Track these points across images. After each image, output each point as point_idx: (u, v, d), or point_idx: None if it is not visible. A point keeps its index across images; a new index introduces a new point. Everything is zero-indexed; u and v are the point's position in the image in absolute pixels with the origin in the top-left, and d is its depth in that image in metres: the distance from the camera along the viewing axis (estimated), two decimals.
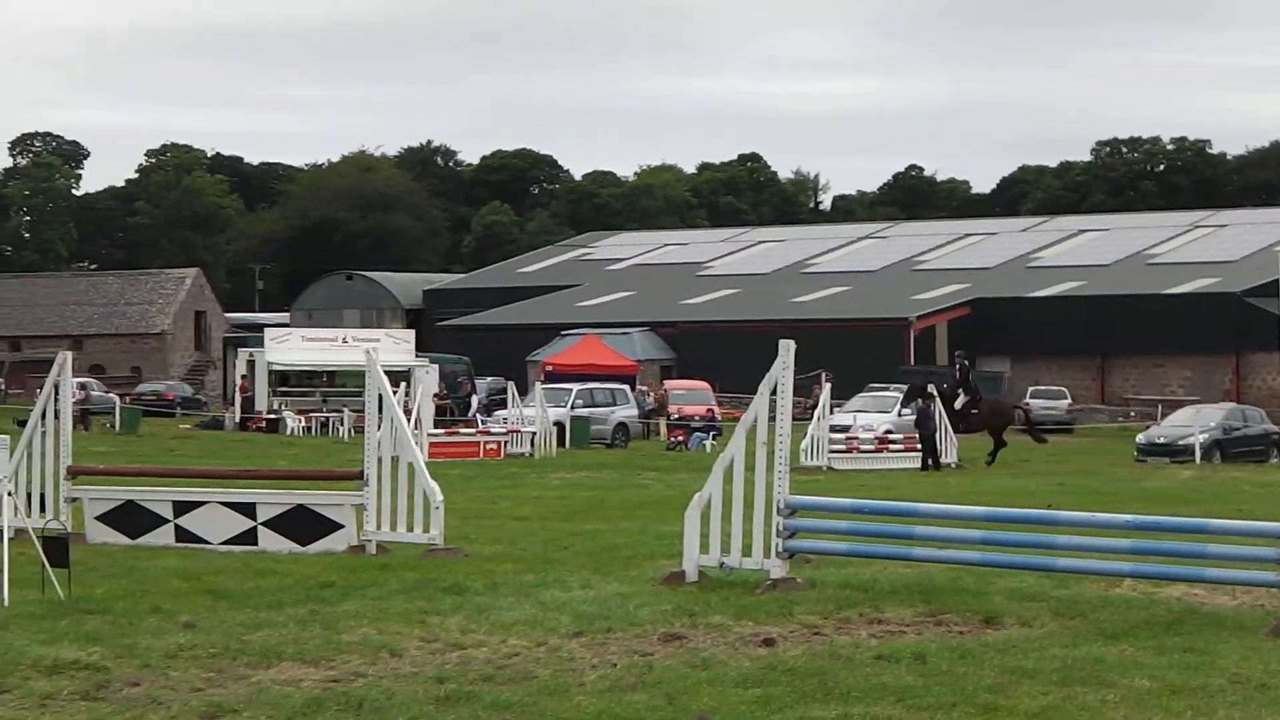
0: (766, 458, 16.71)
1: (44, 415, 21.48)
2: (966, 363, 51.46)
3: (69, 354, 22.46)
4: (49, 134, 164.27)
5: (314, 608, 15.22)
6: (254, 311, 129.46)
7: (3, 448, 16.25)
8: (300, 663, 12.71)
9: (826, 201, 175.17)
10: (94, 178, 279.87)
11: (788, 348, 16.92)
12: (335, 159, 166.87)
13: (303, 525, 20.65)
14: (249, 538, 20.73)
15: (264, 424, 67.63)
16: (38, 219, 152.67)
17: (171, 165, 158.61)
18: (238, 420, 70.34)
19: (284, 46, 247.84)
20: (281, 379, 73.48)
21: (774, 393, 16.77)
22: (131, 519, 21.30)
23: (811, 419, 44.41)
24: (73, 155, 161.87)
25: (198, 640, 13.39)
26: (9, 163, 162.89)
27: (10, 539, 15.62)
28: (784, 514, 16.64)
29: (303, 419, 67.20)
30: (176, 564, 18.88)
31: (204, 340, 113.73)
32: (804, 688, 11.90)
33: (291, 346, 73.90)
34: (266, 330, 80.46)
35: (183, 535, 20.97)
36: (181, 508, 21.21)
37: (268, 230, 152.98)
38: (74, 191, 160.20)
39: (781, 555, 16.63)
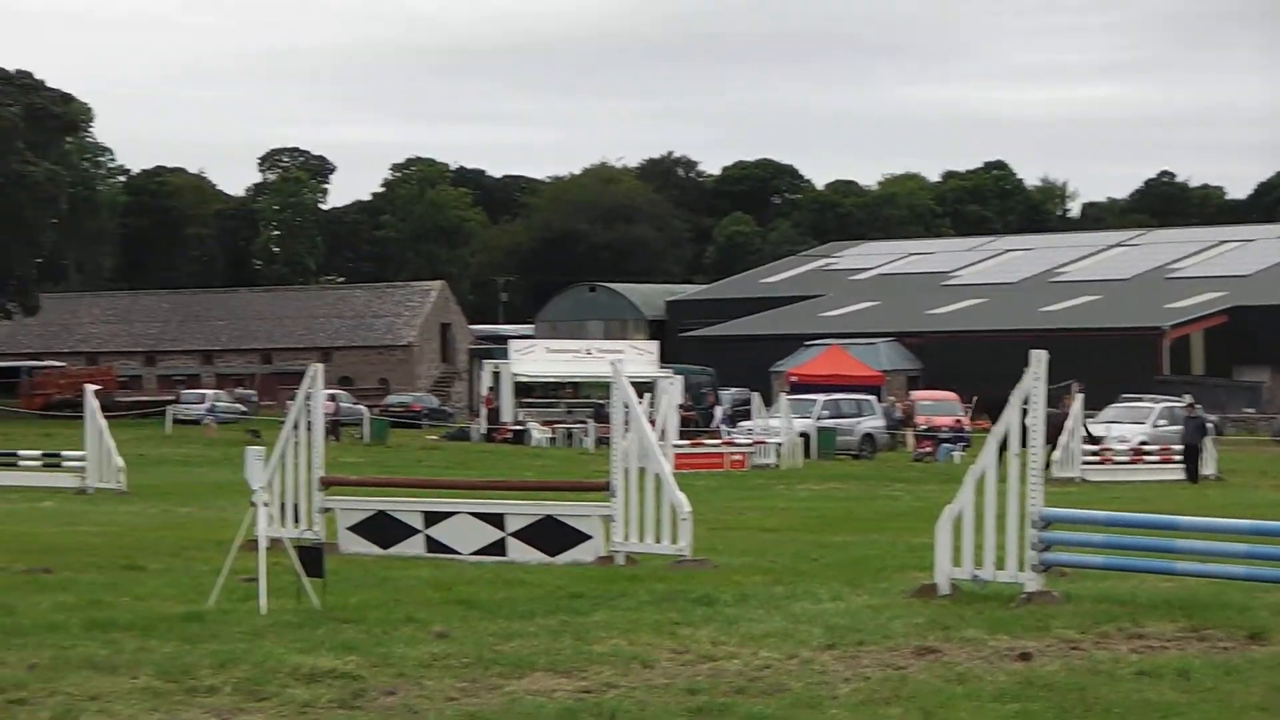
0: (1019, 469, 16.44)
1: (296, 426, 21.76)
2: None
3: (320, 366, 22.73)
4: (297, 149, 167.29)
5: (565, 618, 15.21)
6: (498, 323, 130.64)
7: (258, 458, 16.49)
8: (552, 673, 12.70)
9: (1075, 209, 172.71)
10: (340, 192, 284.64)
11: (1040, 358, 16.64)
12: (577, 171, 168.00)
13: (551, 536, 20.70)
14: (498, 548, 20.83)
15: (509, 435, 68.19)
16: (286, 233, 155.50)
17: (416, 179, 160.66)
18: (484, 431, 70.97)
19: (526, 60, 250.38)
20: (526, 390, 74.05)
21: (1025, 404, 16.51)
22: (383, 529, 21.50)
23: (1062, 430, 43.94)
24: (320, 170, 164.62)
25: (451, 650, 13.43)
26: (259, 178, 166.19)
27: (266, 548, 15.83)
28: (1038, 526, 16.35)
29: (548, 430, 67.65)
30: (428, 574, 19.00)
31: (449, 352, 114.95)
32: (1063, 703, 11.65)
33: (536, 358, 74.46)
34: (511, 342, 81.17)
35: (433, 545, 21.12)
36: (432, 518, 21.36)
37: (511, 242, 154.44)
38: (321, 206, 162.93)
39: (1036, 568, 16.33)
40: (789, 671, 12.87)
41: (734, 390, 77.40)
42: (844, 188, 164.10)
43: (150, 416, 78.27)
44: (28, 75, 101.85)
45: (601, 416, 67.81)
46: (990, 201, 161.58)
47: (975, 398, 53.10)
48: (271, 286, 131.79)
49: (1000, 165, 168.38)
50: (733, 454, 51.25)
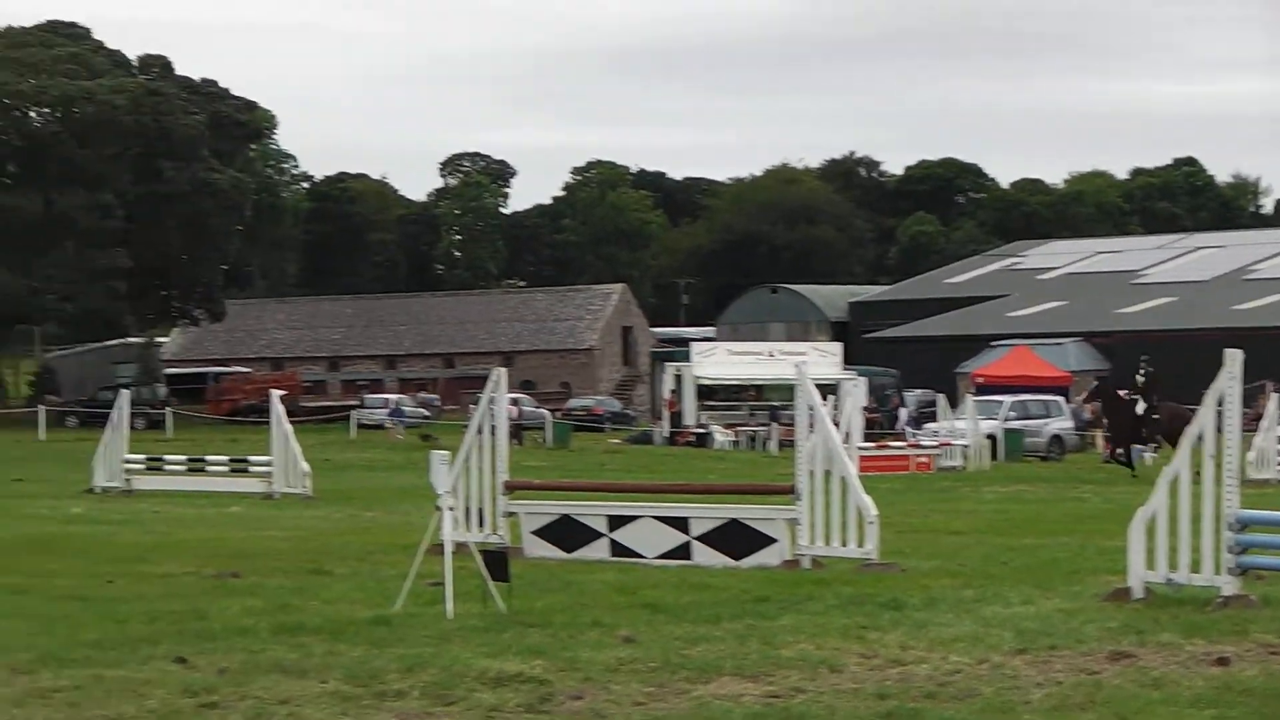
0: (1215, 471, 16.10)
1: (480, 430, 21.81)
2: (1152, 370, 47.94)
3: (503, 370, 22.77)
4: (478, 154, 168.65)
5: (751, 622, 15.09)
6: (679, 326, 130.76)
7: (444, 462, 16.53)
8: (740, 677, 12.60)
9: (1268, 205, 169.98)
10: (521, 196, 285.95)
11: (1235, 358, 16.29)
12: (758, 172, 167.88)
13: (736, 540, 20.59)
14: (682, 552, 20.74)
15: (692, 438, 68.17)
16: (468, 237, 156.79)
17: (596, 182, 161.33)
18: (666, 434, 71.03)
19: (706, 62, 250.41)
20: (708, 393, 74.00)
21: (1220, 404, 16.18)
22: (567, 533, 21.50)
23: (1257, 430, 43.25)
24: (501, 174, 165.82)
25: (637, 654, 13.37)
26: (440, 183, 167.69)
27: (452, 553, 15.86)
28: (1234, 529, 16.00)
29: (730, 433, 67.55)
30: (613, 578, 18.96)
31: (631, 355, 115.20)
32: (1264, 710, 11.37)
33: (718, 360, 74.42)
34: (692, 344, 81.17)
35: (617, 549, 21.08)
36: (616, 522, 21.33)
37: (692, 244, 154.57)
38: (502, 210, 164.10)
39: (1233, 571, 15.99)
40: (980, 676, 12.68)
41: (919, 392, 76.87)
42: (1029, 186, 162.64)
43: (334, 421, 79.18)
44: (213, 84, 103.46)
45: (779, 418, 67.79)
46: (1180, 199, 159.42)
47: (1095, 383, 52.39)
48: (453, 291, 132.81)
49: (1190, 162, 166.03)
50: (918, 456, 50.85)
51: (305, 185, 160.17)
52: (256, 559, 21.30)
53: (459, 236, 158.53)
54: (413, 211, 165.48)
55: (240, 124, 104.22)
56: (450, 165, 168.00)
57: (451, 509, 16.37)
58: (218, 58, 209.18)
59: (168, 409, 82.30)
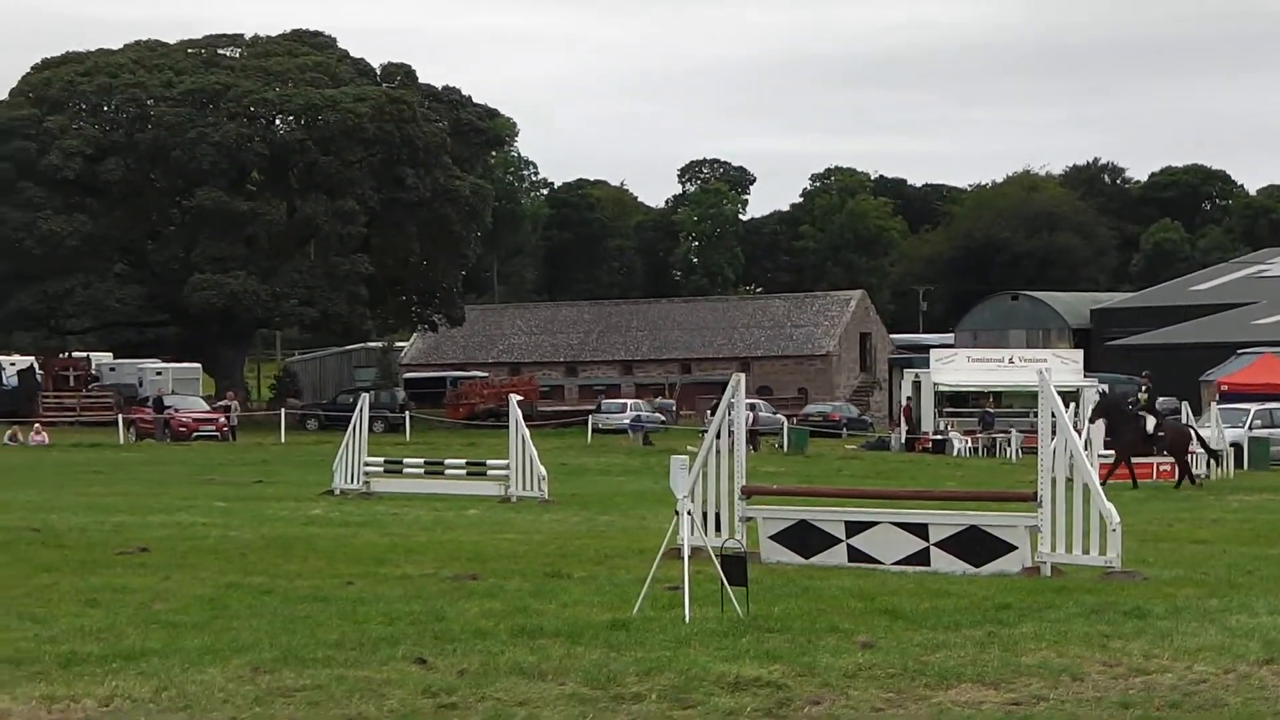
0: None
1: (718, 435, 21.75)
2: (1151, 385, 46.60)
3: (742, 375, 22.65)
4: (716, 160, 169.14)
5: (991, 629, 14.89)
6: (918, 333, 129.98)
7: (682, 467, 16.49)
8: (980, 684, 12.43)
9: None
10: (760, 203, 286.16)
11: None
12: (999, 179, 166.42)
13: (976, 546, 20.31)
14: (921, 558, 20.52)
15: (930, 445, 67.68)
16: (706, 244, 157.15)
17: (836, 189, 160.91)
18: (903, 441, 70.60)
19: (946, 69, 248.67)
20: (947, 400, 73.44)
21: None
22: (805, 538, 21.35)
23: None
24: (739, 181, 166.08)
25: (876, 660, 13.24)
26: (679, 189, 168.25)
27: (689, 557, 15.82)
28: None
29: (969, 440, 66.95)
30: (851, 583, 18.80)
31: (869, 361, 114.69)
32: None
33: (957, 367, 73.82)
34: (931, 351, 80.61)
35: (855, 555, 20.90)
36: (854, 528, 21.14)
37: (931, 251, 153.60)
38: (740, 216, 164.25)
39: None
40: (1226, 686, 12.42)
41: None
42: (1278, 193, 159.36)
43: (571, 426, 79.63)
44: (455, 92, 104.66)
45: (988, 424, 67.15)
46: None
47: (1100, 395, 51.11)
48: (690, 297, 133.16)
49: None
50: (1161, 464, 49.95)
51: (545, 192, 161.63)
52: (494, 561, 21.41)
53: (697, 243, 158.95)
54: (651, 218, 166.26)
55: (481, 131, 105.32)
56: (689, 172, 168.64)
57: (689, 513, 16.32)
58: (460, 65, 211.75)
59: (406, 413, 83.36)
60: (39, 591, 17.69)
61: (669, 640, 14.22)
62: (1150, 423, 43.62)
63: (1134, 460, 43.93)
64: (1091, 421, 45.76)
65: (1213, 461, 47.72)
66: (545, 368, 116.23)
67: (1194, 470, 44.32)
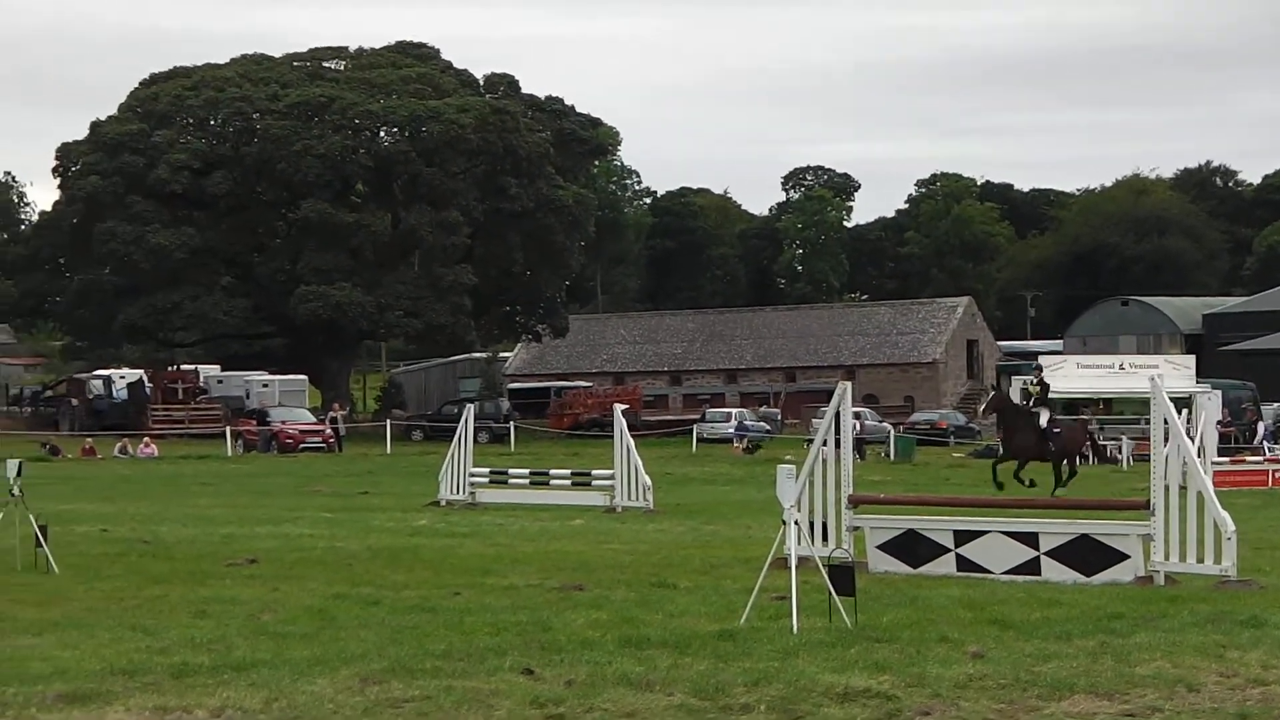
0: None
1: (825, 444, 21.63)
2: (1045, 379, 43.59)
3: (848, 384, 22.51)
4: (820, 167, 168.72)
5: (1104, 639, 14.71)
6: (1025, 339, 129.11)
7: (789, 477, 16.38)
8: (1093, 696, 12.27)
9: None
10: (864, 209, 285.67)
11: None
12: (1108, 183, 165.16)
13: (1087, 555, 20.10)
14: (1031, 567, 20.32)
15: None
16: (810, 251, 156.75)
17: (941, 194, 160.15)
18: None
19: (1056, 73, 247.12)
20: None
21: None
22: (912, 547, 21.20)
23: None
24: (843, 188, 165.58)
25: (986, 670, 13.09)
26: (782, 196, 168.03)
27: (796, 566, 15.71)
28: None
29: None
30: (959, 593, 18.64)
31: (976, 369, 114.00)
32: None
33: (1066, 374, 73.21)
34: (1040, 358, 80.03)
35: (964, 564, 20.72)
36: (962, 537, 20.97)
37: (1039, 257, 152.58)
38: (845, 223, 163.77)
39: None
40: None
41: (1276, 405, 74.83)
42: None
43: (675, 435, 79.53)
44: (558, 101, 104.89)
45: (1091, 433, 66.34)
46: None
47: (991, 392, 47.83)
48: (795, 305, 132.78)
49: None
50: (1276, 471, 49.40)
51: (648, 201, 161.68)
52: (600, 572, 21.37)
53: (800, 250, 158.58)
54: (754, 225, 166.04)
55: (584, 140, 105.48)
56: (793, 179, 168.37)
57: (797, 522, 16.21)
58: (564, 74, 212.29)
59: (511, 423, 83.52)
60: (150, 603, 17.79)
61: (777, 650, 14.15)
62: (1044, 417, 40.88)
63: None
64: (984, 417, 44.53)
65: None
66: (649, 377, 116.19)
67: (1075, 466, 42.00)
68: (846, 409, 21.72)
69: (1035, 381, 42.51)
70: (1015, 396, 45.41)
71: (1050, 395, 42.61)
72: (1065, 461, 41.49)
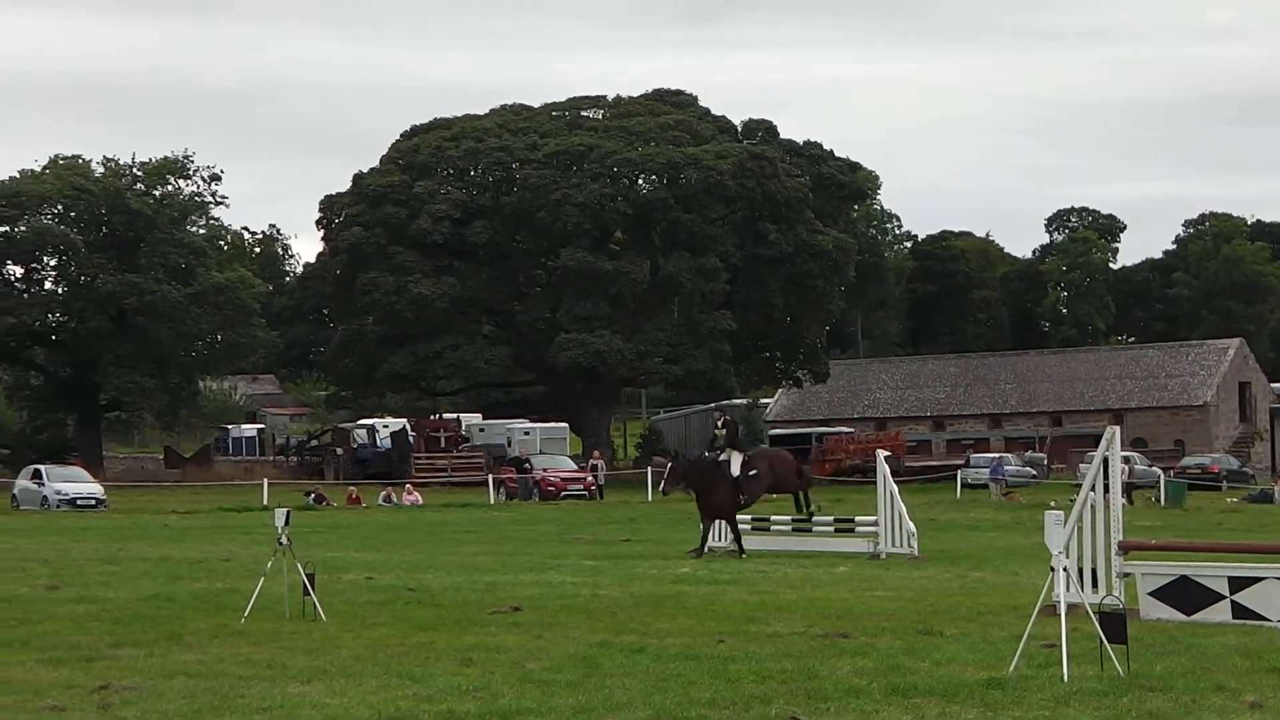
0: None
1: (1093, 489, 21.20)
2: (729, 418, 39.03)
3: (1116, 428, 22.04)
4: (1085, 209, 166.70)
5: None
6: None
7: (1057, 522, 16.07)
8: None
9: None
10: (1131, 250, 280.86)
11: None
12: None
13: None
14: None
15: None
16: (1075, 293, 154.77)
17: (1210, 234, 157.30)
18: None
19: None
20: None
21: None
22: (1186, 594, 20.65)
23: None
24: (1109, 229, 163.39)
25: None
26: (1045, 239, 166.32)
27: (1066, 614, 15.39)
28: None
29: None
30: (1236, 641, 18.12)
31: (1249, 412, 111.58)
32: None
33: None
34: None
35: (1240, 611, 20.14)
36: (1238, 583, 20.37)
37: None
38: (1110, 265, 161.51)
39: None
40: None
41: None
42: None
43: (939, 481, 78.78)
44: (816, 146, 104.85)
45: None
46: None
47: (669, 464, 41.64)
48: (1060, 348, 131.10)
49: None
50: None
51: (908, 245, 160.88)
52: (864, 619, 21.12)
53: (1065, 293, 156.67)
54: (1017, 268, 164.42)
55: (843, 185, 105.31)
56: (1057, 220, 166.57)
57: (1065, 569, 15.89)
58: (821, 118, 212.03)
59: None
60: (416, 650, 17.90)
61: (1047, 699, 13.91)
62: (737, 462, 36.09)
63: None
64: (665, 493, 40.12)
65: None
66: (911, 422, 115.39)
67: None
68: (1115, 453, 21.26)
69: (720, 424, 37.79)
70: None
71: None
72: (783, 490, 37.86)
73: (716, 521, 36.29)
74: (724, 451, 36.47)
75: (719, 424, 37.75)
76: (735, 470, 35.93)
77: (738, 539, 35.75)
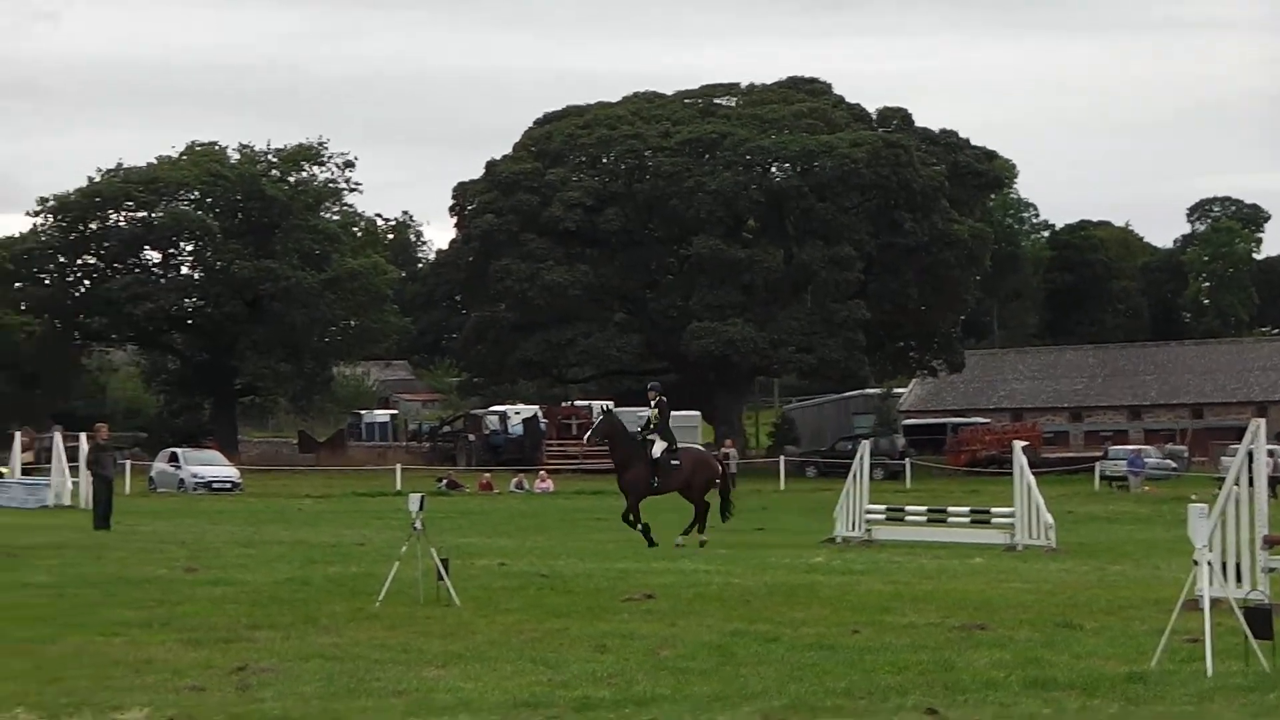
0: None
1: (1237, 483, 20.87)
2: (664, 399, 36.33)
3: (1261, 421, 21.70)
4: (1228, 198, 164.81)
5: None
6: None
7: (1202, 516, 15.81)
8: None
9: None
10: (1275, 241, 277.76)
11: None
12: None
13: None
14: None
15: None
16: (1217, 284, 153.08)
17: None
18: None
19: None
20: None
21: None
22: None
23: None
24: (1252, 219, 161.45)
25: None
26: (1187, 229, 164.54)
27: (1209, 608, 15.14)
28: None
29: None
30: None
31: None
32: None
33: None
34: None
35: None
36: None
37: None
38: (1254, 255, 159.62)
39: None
40: None
41: None
42: None
43: (1077, 473, 78.12)
44: (952, 134, 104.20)
45: None
46: None
47: (600, 415, 38.92)
48: (1201, 339, 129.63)
49: None
50: None
51: (1045, 234, 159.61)
52: (1001, 611, 20.88)
53: (1207, 283, 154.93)
54: (1158, 258, 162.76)
55: (979, 174, 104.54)
56: (1199, 210, 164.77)
57: (1209, 563, 15.62)
58: (959, 106, 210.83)
59: (906, 459, 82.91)
60: (550, 636, 17.88)
61: (1190, 695, 13.73)
62: (659, 448, 35.33)
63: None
64: (587, 444, 38.93)
65: None
66: (1048, 413, 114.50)
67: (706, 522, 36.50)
68: (1260, 446, 20.94)
69: (653, 403, 35.87)
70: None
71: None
72: (689, 495, 36.72)
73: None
74: (651, 431, 35.59)
75: (652, 402, 35.98)
76: (655, 453, 35.36)
77: (700, 522, 36.02)
